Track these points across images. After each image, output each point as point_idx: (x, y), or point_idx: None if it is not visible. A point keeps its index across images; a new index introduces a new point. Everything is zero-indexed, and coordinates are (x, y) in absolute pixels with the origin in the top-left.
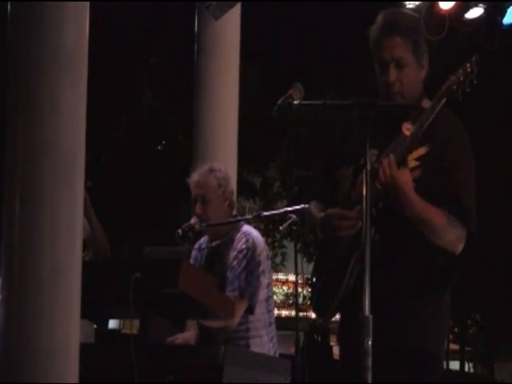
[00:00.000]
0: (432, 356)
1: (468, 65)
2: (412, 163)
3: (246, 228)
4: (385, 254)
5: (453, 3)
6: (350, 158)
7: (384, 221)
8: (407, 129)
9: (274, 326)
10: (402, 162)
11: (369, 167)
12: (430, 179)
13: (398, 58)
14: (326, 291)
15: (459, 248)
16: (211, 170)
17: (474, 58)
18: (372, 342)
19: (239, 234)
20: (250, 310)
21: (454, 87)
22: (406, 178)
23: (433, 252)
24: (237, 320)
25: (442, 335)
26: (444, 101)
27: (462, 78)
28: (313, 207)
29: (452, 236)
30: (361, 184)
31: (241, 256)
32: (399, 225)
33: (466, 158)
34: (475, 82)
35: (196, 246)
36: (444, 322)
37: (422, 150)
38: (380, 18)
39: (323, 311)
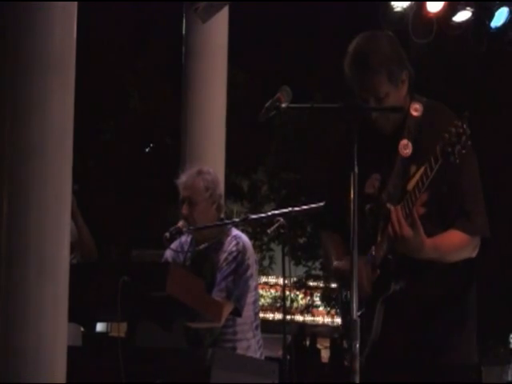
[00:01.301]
0: (469, 367)
1: (459, 124)
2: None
3: (236, 232)
4: (407, 292)
5: (441, 6)
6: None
7: (402, 266)
8: (404, 147)
9: (259, 329)
10: (409, 216)
11: (371, 192)
12: (438, 197)
13: (374, 93)
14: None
15: (475, 254)
16: (199, 173)
17: (464, 117)
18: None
19: (229, 238)
20: (237, 313)
21: (449, 149)
22: (413, 235)
23: (451, 266)
24: (223, 321)
25: (474, 341)
26: (440, 163)
27: (454, 139)
28: (326, 241)
29: (466, 252)
30: (371, 216)
31: (230, 258)
32: (416, 262)
33: (467, 164)
34: (469, 142)
35: (173, 245)
36: (474, 323)
37: (422, 171)
38: (350, 53)
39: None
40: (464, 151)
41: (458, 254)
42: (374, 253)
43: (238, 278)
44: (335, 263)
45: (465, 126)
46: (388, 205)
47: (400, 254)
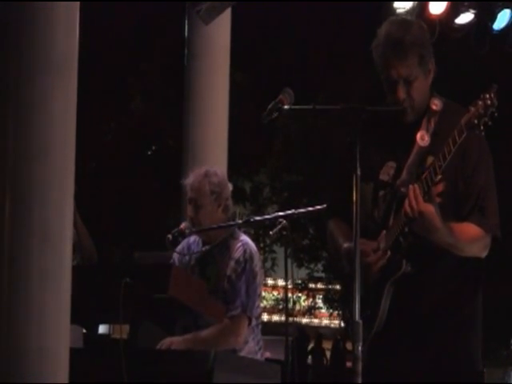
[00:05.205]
0: (473, 366)
1: (487, 96)
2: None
3: (243, 237)
4: (416, 278)
5: (443, 8)
6: (367, 172)
7: (413, 250)
8: (422, 138)
9: (259, 329)
10: (427, 193)
11: (385, 179)
12: (454, 191)
13: (406, 75)
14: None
15: (485, 253)
16: (206, 175)
17: (493, 89)
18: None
19: (237, 243)
20: (249, 321)
21: (475, 121)
22: (432, 211)
23: (461, 263)
24: (243, 337)
25: (480, 342)
26: (465, 135)
27: (481, 111)
28: (334, 228)
29: (478, 248)
30: (384, 202)
31: (240, 269)
32: (428, 249)
33: (484, 162)
34: (496, 114)
35: (180, 246)
36: (480, 327)
37: (445, 146)
38: (383, 34)
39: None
40: (490, 123)
41: (470, 247)
42: (384, 237)
43: (248, 288)
44: (345, 245)
45: (493, 96)
46: (402, 189)
47: (412, 238)
